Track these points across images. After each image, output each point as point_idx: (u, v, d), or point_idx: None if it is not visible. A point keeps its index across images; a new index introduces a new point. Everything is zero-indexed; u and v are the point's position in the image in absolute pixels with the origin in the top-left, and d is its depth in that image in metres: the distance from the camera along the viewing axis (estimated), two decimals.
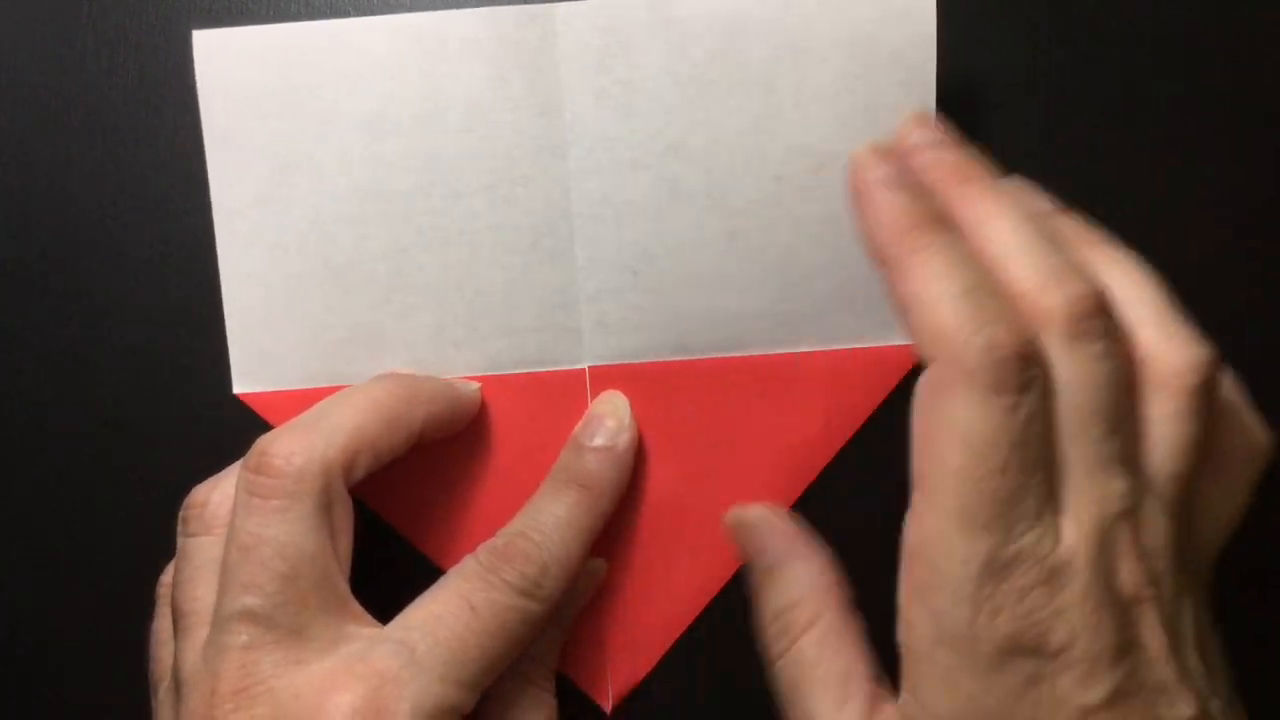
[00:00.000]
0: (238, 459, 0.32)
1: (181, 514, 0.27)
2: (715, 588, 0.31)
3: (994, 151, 0.26)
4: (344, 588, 0.25)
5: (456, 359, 0.31)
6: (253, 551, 0.24)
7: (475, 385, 0.30)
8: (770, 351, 0.31)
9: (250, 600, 0.24)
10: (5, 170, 0.32)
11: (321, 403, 0.27)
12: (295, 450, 0.25)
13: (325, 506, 0.25)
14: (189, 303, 0.32)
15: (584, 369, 0.31)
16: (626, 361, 0.31)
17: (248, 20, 0.32)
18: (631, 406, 0.30)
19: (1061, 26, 0.31)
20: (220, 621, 0.24)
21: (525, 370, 0.31)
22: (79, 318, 0.32)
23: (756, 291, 0.30)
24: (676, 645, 0.32)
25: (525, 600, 0.26)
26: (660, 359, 0.31)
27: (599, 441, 0.30)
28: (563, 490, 0.28)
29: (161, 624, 0.28)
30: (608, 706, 0.31)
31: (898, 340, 0.30)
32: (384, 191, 0.30)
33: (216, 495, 0.27)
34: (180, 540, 0.27)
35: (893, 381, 0.31)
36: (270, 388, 0.31)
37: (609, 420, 0.30)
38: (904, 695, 0.23)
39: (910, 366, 0.31)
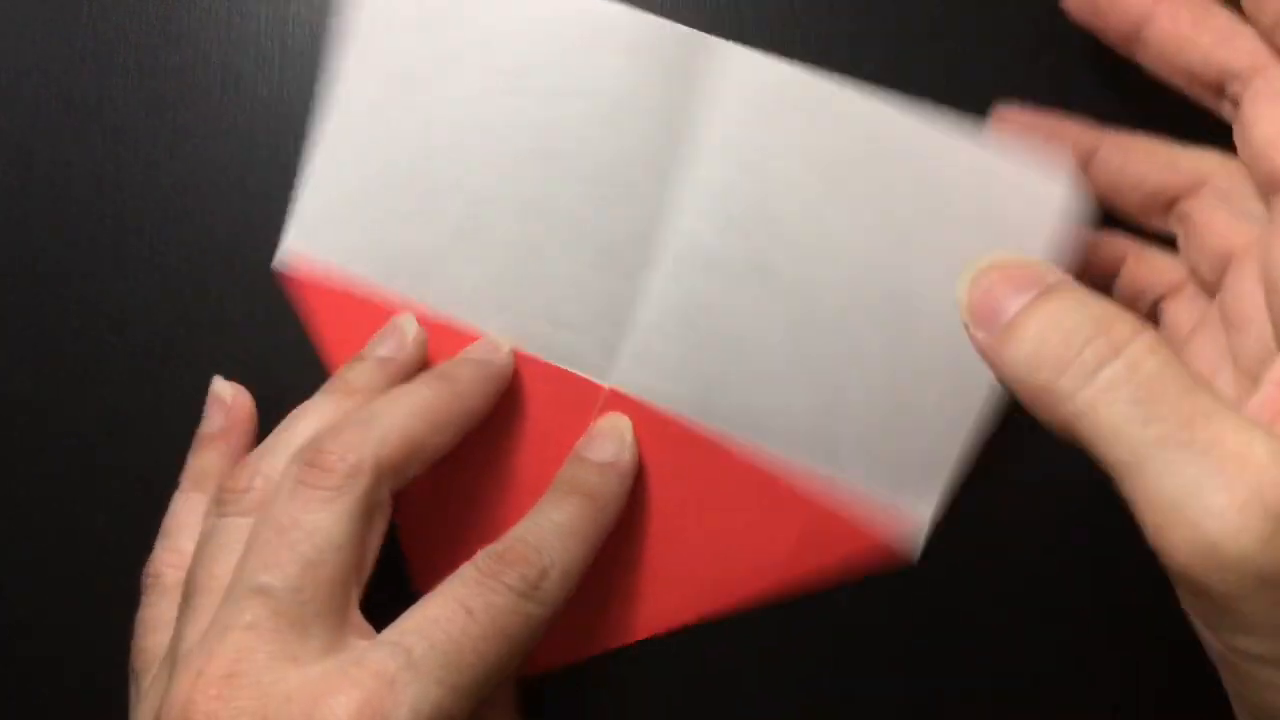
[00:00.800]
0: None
1: (217, 495, 0.27)
2: (646, 634, 0.32)
3: None
4: (354, 595, 0.25)
5: (493, 318, 0.30)
6: (286, 533, 0.24)
7: (507, 353, 0.30)
8: (775, 451, 0.30)
9: (267, 578, 0.23)
10: (5, 170, 0.32)
11: (374, 404, 0.27)
12: (351, 448, 0.25)
13: (368, 508, 0.25)
14: (189, 303, 0.32)
15: (604, 387, 0.31)
16: (645, 399, 0.30)
17: (248, 20, 0.32)
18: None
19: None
20: (231, 596, 0.24)
21: (550, 361, 0.31)
22: (79, 318, 0.32)
23: (792, 392, 0.30)
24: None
25: (524, 603, 0.25)
26: (677, 412, 0.30)
27: (603, 457, 0.30)
28: (565, 499, 0.28)
29: (150, 613, 0.28)
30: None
31: (897, 507, 0.30)
32: (492, 139, 0.29)
33: (259, 480, 0.26)
34: (211, 520, 0.26)
35: (861, 566, 0.31)
36: (318, 255, 0.31)
37: (612, 439, 0.30)
38: None
39: (881, 562, 0.31)
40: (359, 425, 0.26)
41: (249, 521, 0.25)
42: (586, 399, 0.31)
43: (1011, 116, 0.29)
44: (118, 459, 0.32)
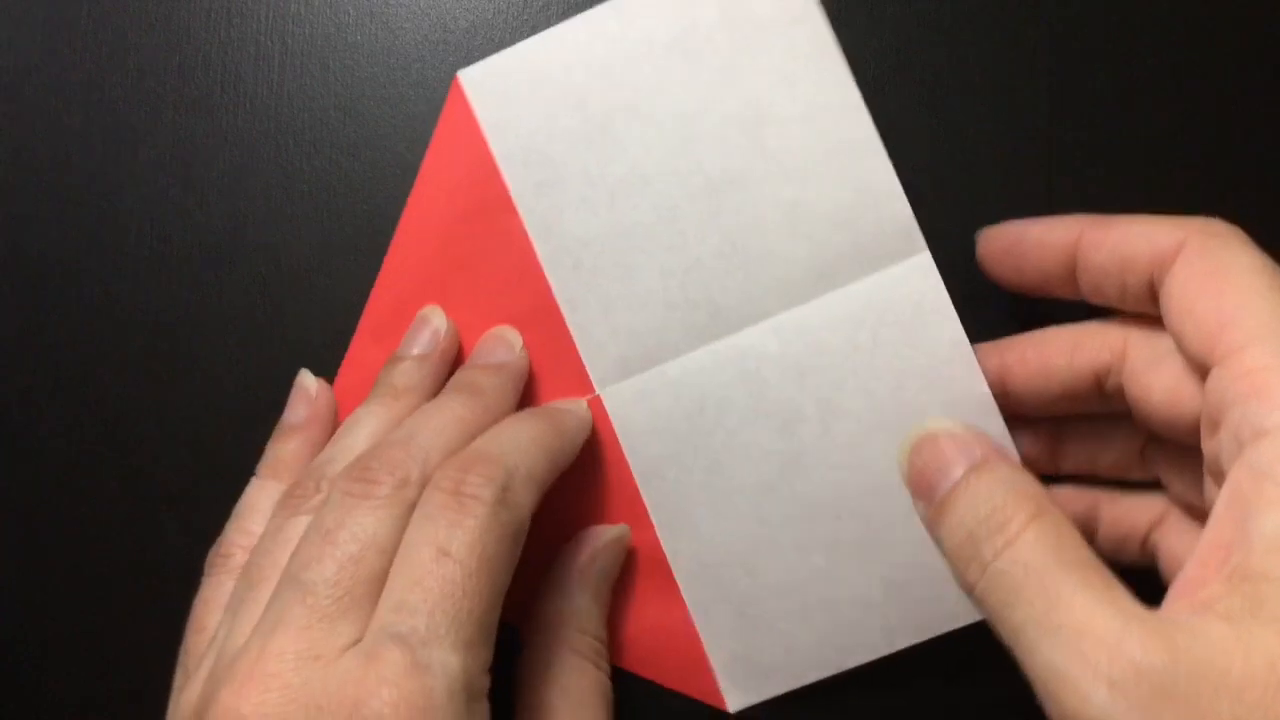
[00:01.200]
0: (238, 458, 0.32)
1: (284, 498, 0.27)
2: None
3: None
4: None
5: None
6: (332, 534, 0.25)
7: (522, 353, 0.30)
8: (676, 565, 0.31)
9: (308, 575, 0.24)
10: (5, 170, 0.32)
11: (414, 421, 0.27)
12: (398, 465, 0.26)
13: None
14: (189, 303, 0.32)
15: (593, 388, 0.31)
16: (617, 429, 0.31)
17: (248, 20, 0.32)
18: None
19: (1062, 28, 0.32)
20: (276, 593, 0.24)
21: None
22: (79, 318, 0.32)
23: (717, 533, 0.30)
24: None
25: (497, 513, 0.25)
26: (630, 461, 0.31)
27: (560, 403, 0.30)
28: (522, 419, 0.28)
29: (215, 593, 0.28)
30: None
31: (719, 685, 0.31)
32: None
33: (325, 485, 0.27)
34: (279, 520, 0.27)
35: (691, 687, 0.31)
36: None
37: (569, 399, 0.30)
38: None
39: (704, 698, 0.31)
40: (404, 443, 0.26)
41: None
42: (577, 387, 0.31)
43: (996, 236, 0.29)
44: (118, 459, 0.32)
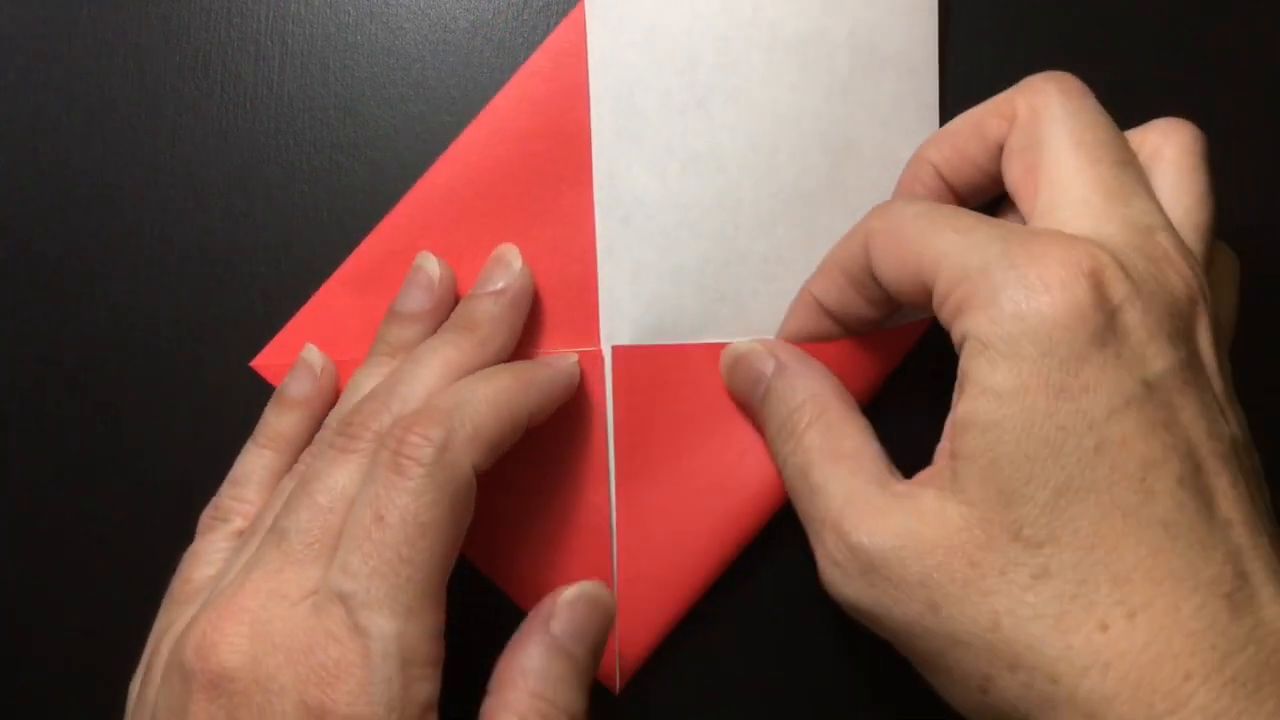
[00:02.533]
0: (237, 458, 0.32)
1: (300, 460, 0.29)
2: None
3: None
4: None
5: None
6: (308, 484, 0.26)
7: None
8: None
9: (285, 521, 0.25)
10: (6, 170, 0.32)
11: (401, 369, 0.28)
12: (373, 415, 0.26)
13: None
14: (190, 303, 0.32)
15: (600, 351, 0.31)
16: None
17: (248, 20, 0.32)
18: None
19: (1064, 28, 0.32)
20: (262, 537, 0.26)
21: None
22: (80, 318, 0.32)
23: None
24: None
25: (432, 473, 0.24)
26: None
27: (542, 358, 0.30)
28: (492, 371, 0.28)
29: (204, 547, 0.29)
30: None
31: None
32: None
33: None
34: (286, 480, 0.29)
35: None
36: None
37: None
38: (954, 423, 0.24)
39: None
40: (382, 396, 0.27)
41: None
42: (584, 334, 0.31)
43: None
44: (118, 458, 0.32)
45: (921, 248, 0.25)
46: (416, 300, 0.30)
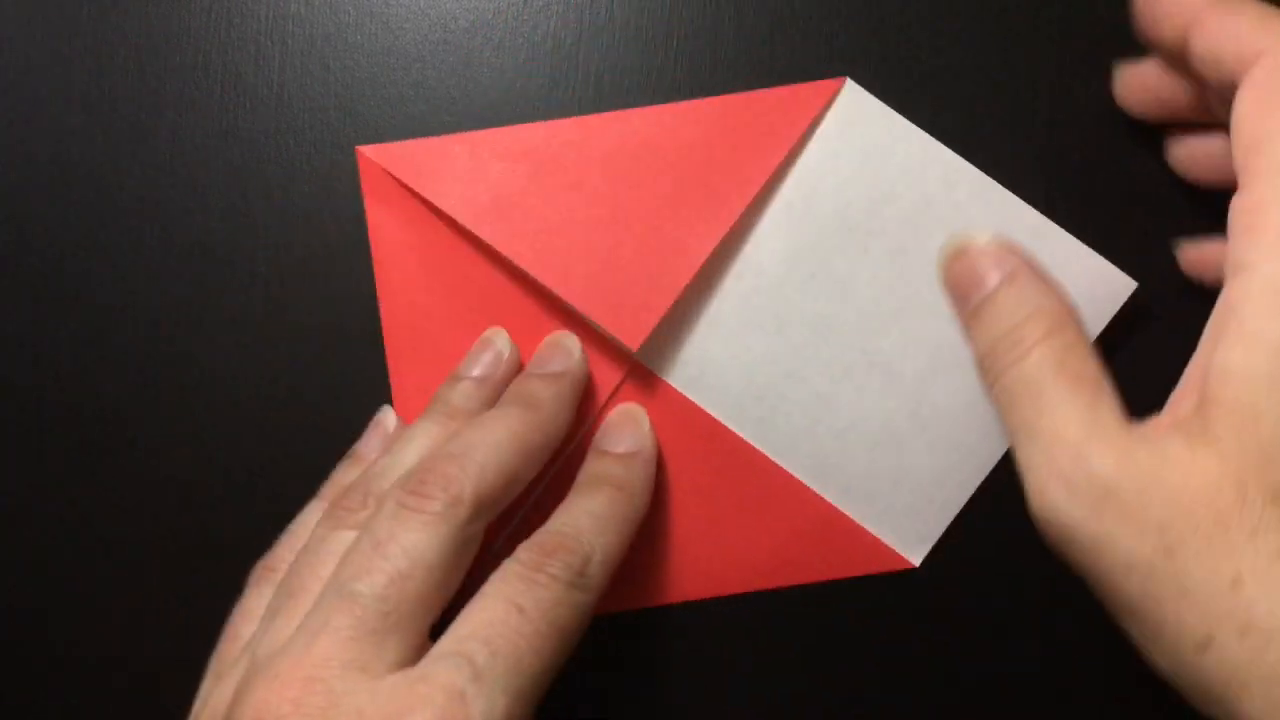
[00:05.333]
0: (238, 459, 0.32)
1: (330, 511, 0.27)
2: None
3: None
4: (432, 618, 0.25)
5: None
6: (383, 546, 0.25)
7: (581, 358, 0.31)
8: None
9: (357, 585, 0.24)
10: (6, 170, 0.32)
11: (469, 434, 0.27)
12: (453, 480, 0.26)
13: (464, 538, 0.25)
14: (189, 303, 0.32)
15: (632, 355, 0.31)
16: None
17: (248, 20, 0.32)
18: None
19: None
20: (321, 601, 0.24)
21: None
22: (79, 318, 0.32)
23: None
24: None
25: (572, 592, 0.25)
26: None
27: (625, 448, 0.30)
28: (595, 489, 0.28)
29: (255, 603, 0.28)
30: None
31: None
32: None
33: (371, 500, 0.27)
34: (321, 532, 0.27)
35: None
36: None
37: (629, 428, 0.31)
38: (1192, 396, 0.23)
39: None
40: (458, 458, 0.26)
41: (355, 535, 0.26)
42: (612, 369, 0.31)
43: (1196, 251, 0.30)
44: (117, 457, 0.32)
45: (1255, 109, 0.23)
46: (483, 369, 0.30)
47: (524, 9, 0.32)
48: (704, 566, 0.32)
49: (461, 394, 0.30)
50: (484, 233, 0.30)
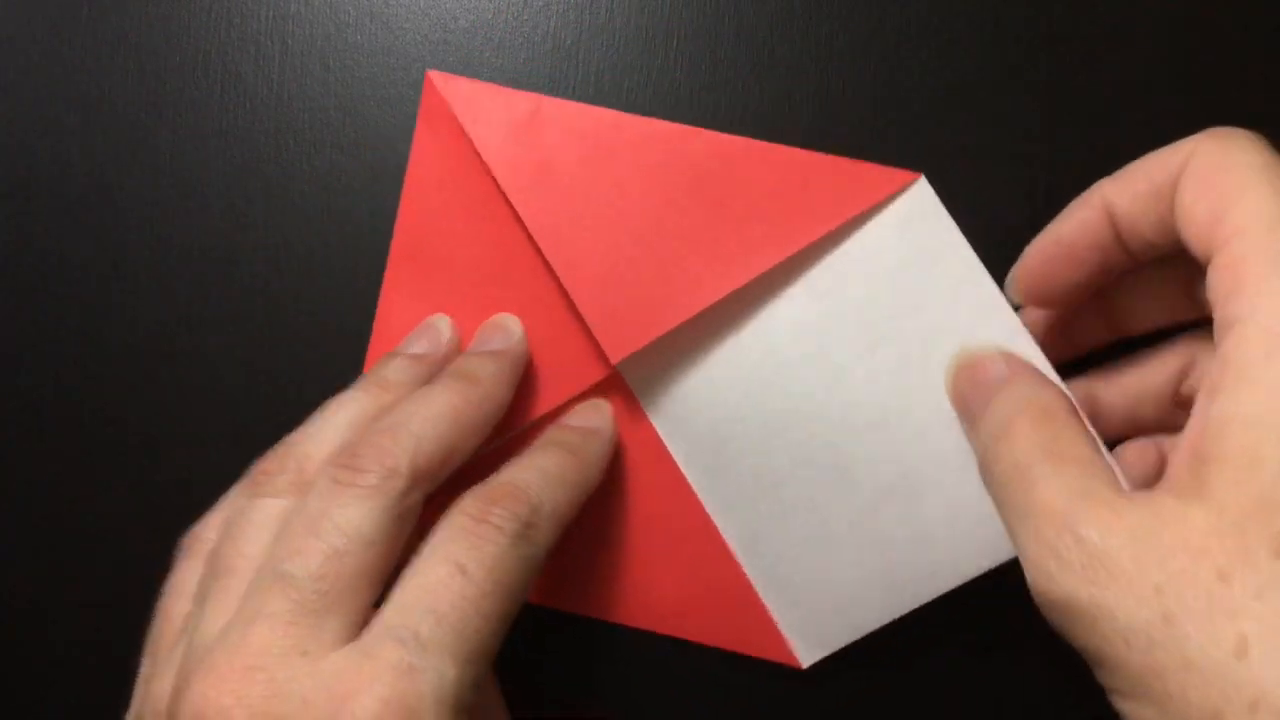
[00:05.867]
0: (238, 459, 0.32)
1: (250, 478, 0.27)
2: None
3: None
4: (372, 595, 0.24)
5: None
6: (316, 524, 0.24)
7: (521, 338, 0.30)
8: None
9: (290, 566, 0.23)
10: (6, 169, 0.32)
11: (407, 406, 0.27)
12: (388, 452, 0.25)
13: (401, 511, 0.25)
14: (189, 303, 0.32)
15: (613, 367, 0.30)
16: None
17: (248, 20, 0.32)
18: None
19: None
20: (255, 584, 0.24)
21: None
22: (79, 318, 0.32)
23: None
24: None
25: (519, 545, 0.24)
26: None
27: (586, 424, 0.30)
28: (548, 450, 0.28)
29: (184, 578, 0.27)
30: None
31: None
32: None
33: (291, 464, 0.26)
34: (242, 501, 0.26)
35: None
36: None
37: (595, 412, 0.30)
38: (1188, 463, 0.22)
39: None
40: (393, 430, 0.26)
41: (281, 503, 0.25)
42: (589, 370, 0.31)
43: (1033, 251, 0.28)
44: (117, 457, 0.32)
45: (1232, 187, 0.22)
46: (422, 347, 0.30)
47: (524, 9, 0.32)
48: (613, 587, 0.32)
49: (395, 369, 0.29)
50: (515, 198, 0.29)
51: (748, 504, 0.31)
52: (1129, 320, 0.29)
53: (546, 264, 0.30)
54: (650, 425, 0.31)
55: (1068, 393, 0.26)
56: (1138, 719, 0.21)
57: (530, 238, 0.30)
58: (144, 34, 0.32)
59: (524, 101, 0.29)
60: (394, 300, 0.31)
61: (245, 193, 0.32)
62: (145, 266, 0.32)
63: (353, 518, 0.24)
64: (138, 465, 0.32)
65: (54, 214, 0.32)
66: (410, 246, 0.31)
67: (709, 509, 0.31)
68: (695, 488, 0.31)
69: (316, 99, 0.32)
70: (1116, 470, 0.23)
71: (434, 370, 0.30)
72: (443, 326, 0.30)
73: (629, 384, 0.31)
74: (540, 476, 0.26)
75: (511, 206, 0.30)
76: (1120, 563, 0.21)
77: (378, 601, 0.24)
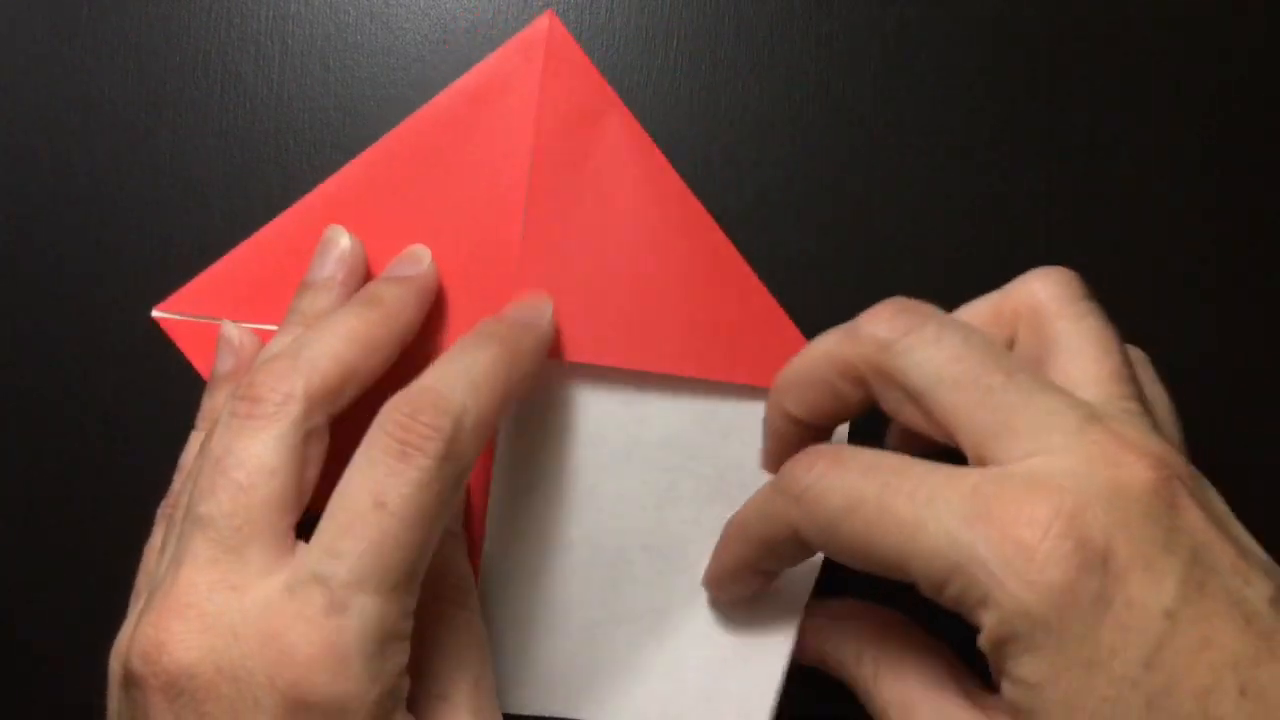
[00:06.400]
0: None
1: (198, 425, 0.28)
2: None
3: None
4: (290, 520, 0.25)
5: None
6: (220, 462, 0.24)
7: (429, 264, 0.30)
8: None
9: (203, 508, 0.24)
10: (5, 170, 0.32)
11: (304, 334, 0.27)
12: (281, 377, 0.25)
13: (302, 435, 0.25)
14: None
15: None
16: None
17: (248, 20, 0.32)
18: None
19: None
20: (180, 527, 0.24)
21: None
22: (79, 318, 0.32)
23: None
24: None
25: (442, 467, 0.24)
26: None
27: (520, 318, 0.29)
28: (479, 341, 0.27)
29: (158, 538, 0.29)
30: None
31: None
32: None
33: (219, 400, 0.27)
34: (194, 452, 0.27)
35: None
36: None
37: (532, 306, 0.30)
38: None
39: None
40: (287, 356, 0.26)
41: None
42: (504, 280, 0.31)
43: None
44: (117, 457, 0.32)
45: (884, 537, 0.23)
46: (327, 269, 0.30)
47: (524, 9, 0.32)
48: None
49: (309, 300, 0.29)
50: (537, 173, 0.31)
51: (534, 549, 0.31)
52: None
53: (521, 245, 0.31)
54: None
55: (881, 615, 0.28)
56: None
57: (519, 210, 0.31)
58: (144, 34, 0.32)
59: (604, 96, 0.31)
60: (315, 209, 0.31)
61: (245, 193, 0.32)
62: (145, 266, 0.32)
63: (254, 449, 0.24)
64: (138, 465, 0.32)
65: (54, 214, 0.32)
66: (393, 152, 0.31)
67: (486, 549, 0.31)
68: (489, 520, 0.31)
69: (316, 99, 0.32)
70: (957, 670, 0.26)
71: (350, 289, 0.30)
72: (344, 241, 0.30)
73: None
74: (467, 376, 0.25)
75: (528, 172, 0.31)
76: None
77: (306, 521, 0.25)
